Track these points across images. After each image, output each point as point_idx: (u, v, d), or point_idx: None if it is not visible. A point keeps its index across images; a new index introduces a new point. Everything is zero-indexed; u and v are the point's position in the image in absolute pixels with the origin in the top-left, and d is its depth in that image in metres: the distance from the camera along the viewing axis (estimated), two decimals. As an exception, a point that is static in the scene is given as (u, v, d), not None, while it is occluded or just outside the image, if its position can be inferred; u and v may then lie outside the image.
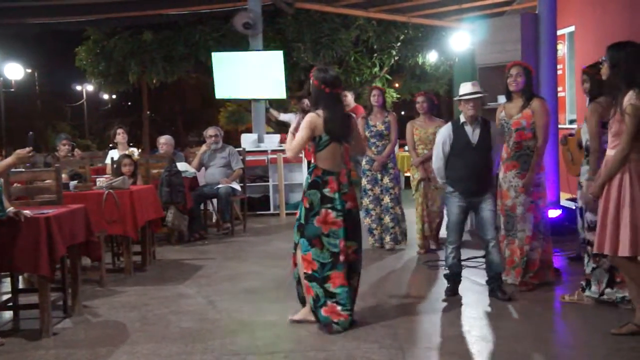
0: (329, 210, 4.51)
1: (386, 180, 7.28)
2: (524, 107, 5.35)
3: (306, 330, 4.48)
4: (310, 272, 4.54)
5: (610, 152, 4.16)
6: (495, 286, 5.14)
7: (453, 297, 5.21)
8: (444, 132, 5.26)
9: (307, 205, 4.54)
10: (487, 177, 5.19)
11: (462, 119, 5.18)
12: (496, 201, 5.30)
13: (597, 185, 4.21)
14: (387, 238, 7.29)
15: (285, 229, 9.21)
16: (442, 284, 5.70)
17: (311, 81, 4.71)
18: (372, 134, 7.32)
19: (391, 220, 7.27)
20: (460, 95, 5.17)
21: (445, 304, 5.09)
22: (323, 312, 4.49)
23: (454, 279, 5.31)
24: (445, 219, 5.63)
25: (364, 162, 7.47)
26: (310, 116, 4.60)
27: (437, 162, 5.27)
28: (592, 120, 4.77)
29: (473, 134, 5.13)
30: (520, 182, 5.35)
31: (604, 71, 4.29)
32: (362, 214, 7.33)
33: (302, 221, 4.56)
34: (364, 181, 7.41)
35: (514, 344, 4.12)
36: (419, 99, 7.29)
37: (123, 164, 7.04)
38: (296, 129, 4.75)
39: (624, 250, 4.01)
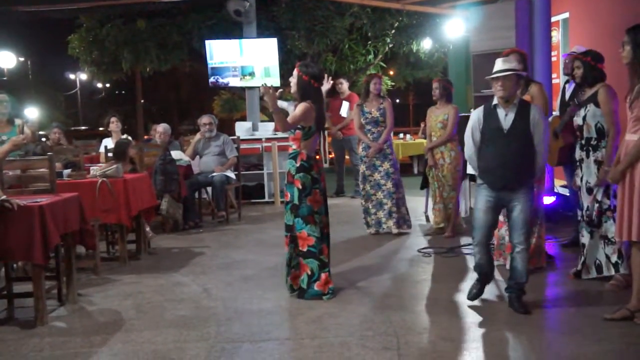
0: (317, 190, 4.99)
1: (386, 165, 7.36)
2: (523, 94, 5.29)
3: (301, 318, 4.50)
4: (305, 249, 4.91)
5: (632, 137, 4.08)
6: (514, 296, 4.52)
7: (475, 298, 4.68)
8: (474, 117, 4.62)
9: (300, 187, 4.92)
10: (521, 169, 4.43)
11: (495, 101, 4.52)
12: (533, 198, 4.63)
13: (618, 171, 4.15)
14: (390, 222, 7.38)
15: (280, 217, 9.17)
16: (437, 272, 5.74)
17: (297, 74, 5.03)
18: (367, 120, 7.40)
19: (393, 204, 7.37)
20: (492, 74, 4.49)
21: (440, 291, 5.11)
22: (316, 286, 4.92)
23: (480, 279, 4.71)
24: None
25: (360, 149, 7.58)
26: (306, 106, 4.93)
27: (468, 151, 4.70)
28: (611, 105, 4.81)
29: (506, 118, 4.45)
30: None
31: (626, 54, 4.17)
32: (361, 199, 7.56)
33: (296, 202, 4.93)
34: (362, 167, 7.49)
35: (507, 330, 4.14)
36: (433, 85, 7.33)
37: (131, 146, 7.10)
38: None
39: None
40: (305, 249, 4.93)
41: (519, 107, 4.46)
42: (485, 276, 4.70)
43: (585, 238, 5.11)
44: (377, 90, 7.43)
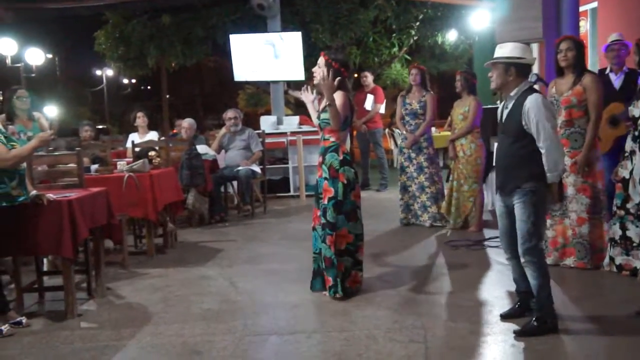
0: (357, 184, 4.82)
1: (421, 159, 7.42)
2: (574, 84, 5.14)
3: (328, 311, 4.50)
4: (344, 246, 4.73)
5: None
6: (528, 319, 3.98)
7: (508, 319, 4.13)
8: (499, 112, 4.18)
9: (345, 181, 4.69)
10: (511, 170, 3.93)
11: None
12: (534, 203, 3.84)
13: None
14: (425, 216, 7.44)
15: (305, 211, 9.24)
16: (464, 265, 5.70)
17: (326, 62, 4.75)
18: (407, 112, 7.48)
19: (427, 199, 7.41)
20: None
21: (467, 284, 5.08)
22: (347, 283, 4.77)
23: (518, 297, 4.21)
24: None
25: (400, 140, 7.65)
26: (343, 94, 4.72)
27: None
28: None
29: (503, 112, 4.04)
30: (570, 160, 5.15)
31: None
32: (398, 191, 7.59)
33: (340, 198, 4.68)
34: (401, 159, 7.56)
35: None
36: (456, 77, 7.30)
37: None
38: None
39: None
40: (343, 247, 4.73)
41: (518, 98, 3.90)
42: (521, 295, 4.17)
43: (632, 232, 4.91)
44: (415, 81, 7.45)
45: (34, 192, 4.49)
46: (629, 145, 4.94)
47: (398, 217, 7.65)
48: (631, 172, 4.90)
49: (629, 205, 4.93)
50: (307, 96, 5.02)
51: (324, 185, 4.74)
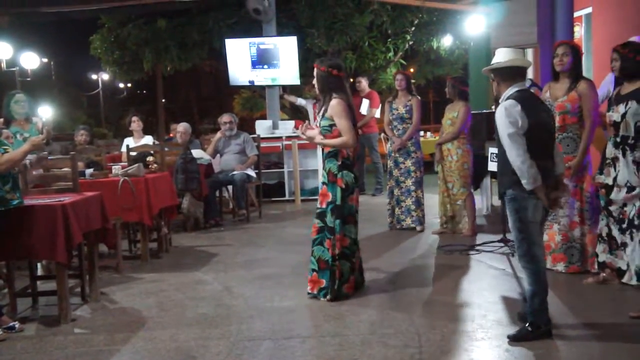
0: (357, 188, 4.89)
1: (408, 163, 7.47)
2: (569, 90, 5.12)
3: (322, 316, 4.49)
4: (340, 250, 4.77)
5: None
6: (521, 324, 4.02)
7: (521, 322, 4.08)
8: None
9: (344, 186, 4.77)
10: (499, 175, 4.03)
11: None
12: (516, 210, 3.87)
13: None
14: (409, 220, 7.49)
15: (300, 215, 9.24)
16: (458, 269, 5.70)
17: (317, 71, 4.89)
18: (394, 117, 7.55)
19: (412, 203, 7.46)
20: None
21: (462, 289, 5.08)
22: (345, 289, 4.82)
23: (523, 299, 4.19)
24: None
25: (388, 145, 7.71)
26: (339, 103, 4.79)
27: None
28: None
29: None
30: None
31: None
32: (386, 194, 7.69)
33: (339, 202, 4.76)
34: (389, 163, 7.61)
35: (531, 328, 4.10)
36: (447, 83, 7.33)
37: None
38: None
39: None
40: (339, 250, 4.79)
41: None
42: (524, 299, 4.13)
43: (615, 232, 4.84)
44: (400, 86, 7.55)
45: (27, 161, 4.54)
46: (610, 151, 4.81)
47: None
48: (614, 179, 4.77)
49: (612, 208, 4.84)
50: (310, 133, 5.00)
51: (323, 189, 4.85)
